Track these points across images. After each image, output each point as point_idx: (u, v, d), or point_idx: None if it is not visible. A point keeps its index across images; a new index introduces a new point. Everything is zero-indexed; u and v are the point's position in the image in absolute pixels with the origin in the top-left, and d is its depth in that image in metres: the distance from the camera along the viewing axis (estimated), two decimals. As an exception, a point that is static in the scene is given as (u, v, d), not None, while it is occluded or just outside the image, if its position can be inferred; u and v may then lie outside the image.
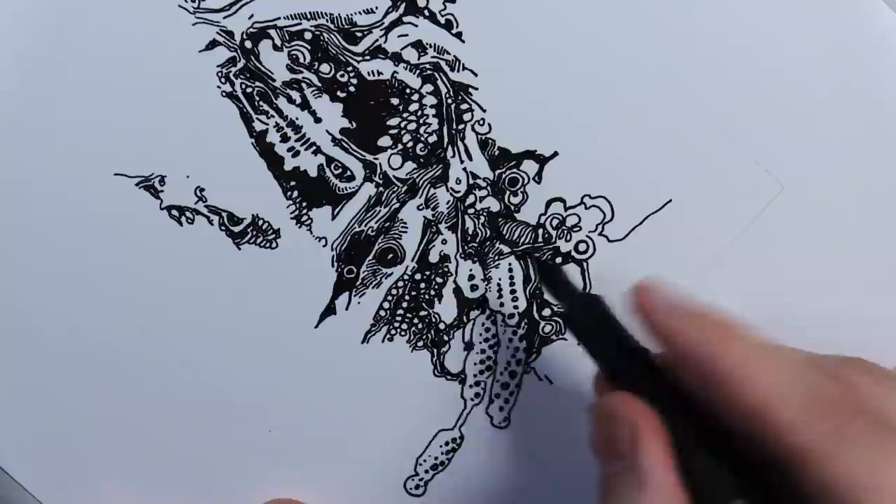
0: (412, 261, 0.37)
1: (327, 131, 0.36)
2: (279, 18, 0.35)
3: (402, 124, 0.36)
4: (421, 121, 0.36)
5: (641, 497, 0.26)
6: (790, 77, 0.36)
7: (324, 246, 0.36)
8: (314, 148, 0.36)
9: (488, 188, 0.37)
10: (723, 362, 0.26)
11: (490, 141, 0.36)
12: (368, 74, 0.36)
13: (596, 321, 0.29)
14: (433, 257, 0.37)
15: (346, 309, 0.37)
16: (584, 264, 0.37)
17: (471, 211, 0.37)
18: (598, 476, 0.28)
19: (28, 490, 0.37)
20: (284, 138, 0.36)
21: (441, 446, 0.38)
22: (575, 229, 0.37)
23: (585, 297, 0.32)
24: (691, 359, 0.27)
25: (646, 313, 0.28)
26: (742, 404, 0.25)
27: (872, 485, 0.23)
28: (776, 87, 0.36)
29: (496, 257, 0.37)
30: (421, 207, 0.37)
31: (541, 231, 0.37)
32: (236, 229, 0.36)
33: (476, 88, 0.36)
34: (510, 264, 0.37)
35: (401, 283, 0.37)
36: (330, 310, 0.37)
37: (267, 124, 0.36)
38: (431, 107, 0.36)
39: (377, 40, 0.36)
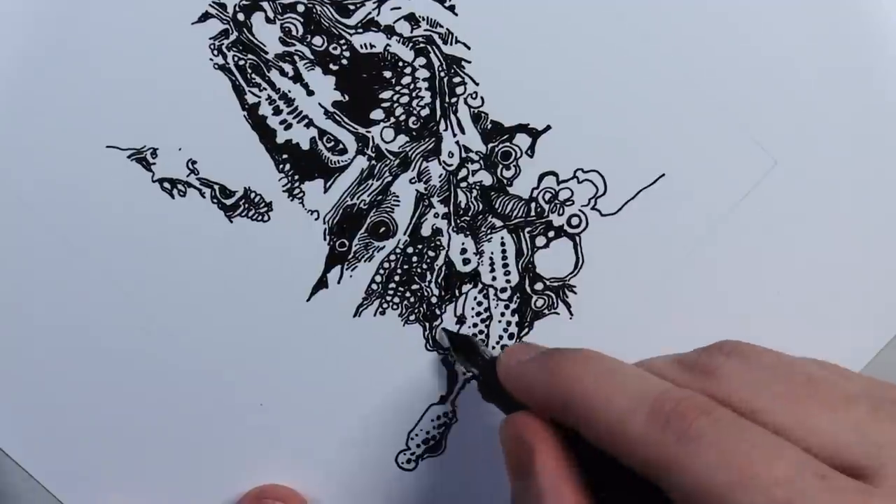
0: (404, 234, 0.37)
1: (320, 104, 0.36)
2: (272, -10, 0.35)
3: (395, 97, 0.36)
4: (413, 94, 0.36)
5: None
6: (784, 52, 0.36)
7: (316, 219, 0.36)
8: (306, 121, 0.36)
9: (481, 162, 0.36)
10: (566, 396, 0.26)
11: (483, 114, 0.36)
12: (361, 47, 0.36)
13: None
14: (425, 231, 0.37)
15: (338, 282, 0.37)
16: (577, 238, 0.37)
17: (463, 184, 0.37)
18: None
19: (15, 460, 0.37)
20: (277, 111, 0.36)
21: (432, 420, 0.38)
22: (567, 203, 0.37)
23: (491, 361, 0.33)
24: (546, 402, 0.27)
25: (503, 379, 0.30)
26: (594, 430, 0.25)
27: (724, 481, 0.21)
28: (769, 62, 0.36)
29: (488, 231, 0.37)
30: (413, 181, 0.36)
31: (533, 205, 0.37)
32: (228, 202, 0.36)
33: (469, 62, 0.36)
34: (502, 238, 0.37)
35: (393, 257, 0.37)
36: (322, 283, 0.37)
37: (259, 97, 0.36)
38: (424, 80, 0.36)
39: (370, 13, 0.35)
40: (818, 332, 0.37)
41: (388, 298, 0.37)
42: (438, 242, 0.37)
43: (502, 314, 0.37)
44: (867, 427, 0.23)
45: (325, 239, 0.36)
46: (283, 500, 0.37)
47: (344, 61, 0.36)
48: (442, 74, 0.36)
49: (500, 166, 0.36)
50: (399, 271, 0.37)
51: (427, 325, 0.37)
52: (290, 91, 0.36)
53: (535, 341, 0.37)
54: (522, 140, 0.36)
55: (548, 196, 0.37)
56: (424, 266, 0.37)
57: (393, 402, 0.37)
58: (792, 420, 0.23)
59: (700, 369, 0.25)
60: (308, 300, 0.37)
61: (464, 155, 0.36)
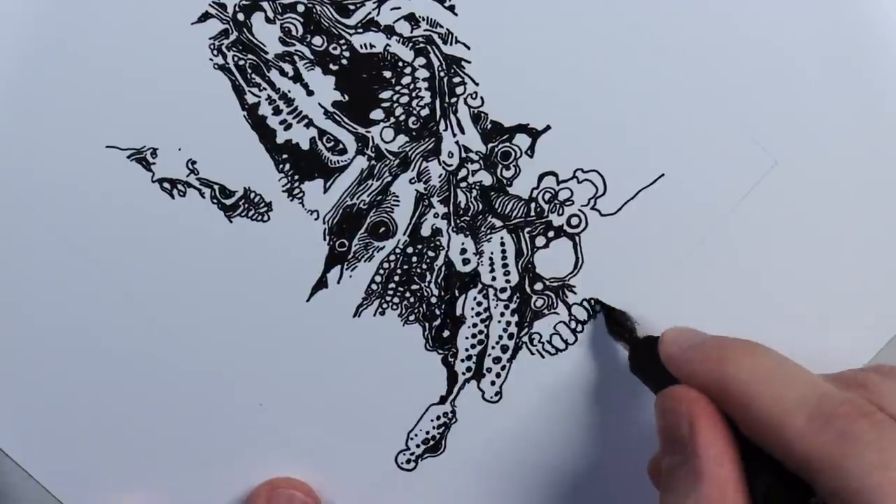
0: (404, 234, 0.37)
1: (319, 104, 0.36)
2: (271, -10, 0.35)
3: (395, 97, 0.36)
4: (413, 94, 0.36)
5: (697, 491, 0.26)
6: (784, 52, 0.36)
7: (315, 219, 0.36)
8: (306, 121, 0.36)
9: (480, 162, 0.36)
10: (731, 385, 0.27)
11: (483, 114, 0.36)
12: (361, 47, 0.36)
13: (654, 358, 0.32)
14: (425, 231, 0.37)
15: (338, 283, 0.37)
16: (577, 238, 0.37)
17: (463, 184, 0.37)
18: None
19: (15, 460, 0.37)
20: (276, 111, 0.36)
21: (432, 420, 0.38)
22: (567, 203, 0.37)
23: (646, 339, 0.34)
24: (709, 387, 0.28)
25: (666, 359, 0.31)
26: (754, 421, 0.26)
27: (880, 482, 0.23)
28: (770, 62, 0.36)
29: (488, 231, 0.37)
30: (413, 181, 0.36)
31: (533, 205, 0.37)
32: (228, 202, 0.36)
33: (469, 62, 0.36)
34: (502, 238, 0.37)
35: (392, 257, 0.37)
36: (321, 283, 0.37)
37: (259, 97, 0.36)
38: (424, 80, 0.36)
39: (370, 13, 0.35)
40: (818, 332, 0.37)
41: (388, 298, 0.37)
42: (438, 242, 0.37)
43: (502, 314, 0.37)
44: None
45: (324, 239, 0.36)
46: (297, 488, 0.37)
47: (344, 61, 0.36)
48: (442, 74, 0.36)
49: (500, 166, 0.36)
50: (399, 271, 0.37)
51: (427, 325, 0.37)
52: (289, 91, 0.36)
53: (535, 342, 0.37)
54: (522, 140, 0.36)
55: (548, 196, 0.37)
56: (424, 266, 0.37)
57: (393, 402, 0.37)
58: None
59: (856, 383, 0.27)
60: (308, 300, 0.37)
61: (464, 155, 0.36)
